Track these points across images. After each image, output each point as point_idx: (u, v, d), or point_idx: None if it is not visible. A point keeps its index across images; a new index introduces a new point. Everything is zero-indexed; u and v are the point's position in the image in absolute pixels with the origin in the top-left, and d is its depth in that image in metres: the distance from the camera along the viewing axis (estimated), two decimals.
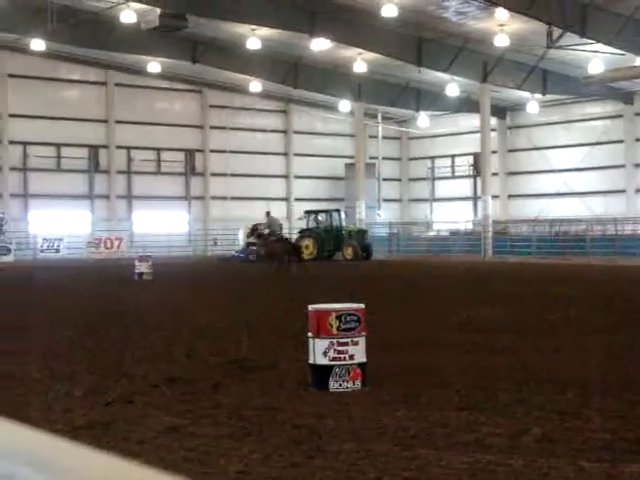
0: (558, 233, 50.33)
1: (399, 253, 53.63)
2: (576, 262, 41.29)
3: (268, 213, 45.71)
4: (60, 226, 54.36)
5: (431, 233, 60.02)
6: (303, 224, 51.74)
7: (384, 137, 64.36)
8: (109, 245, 54.54)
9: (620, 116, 54.47)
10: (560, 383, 9.83)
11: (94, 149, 56.38)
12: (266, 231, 43.63)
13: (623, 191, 54.03)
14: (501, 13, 40.80)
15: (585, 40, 41.84)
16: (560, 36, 41.53)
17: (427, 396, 9.12)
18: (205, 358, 11.94)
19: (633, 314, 17.75)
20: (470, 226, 58.03)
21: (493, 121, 56.96)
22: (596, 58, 45.18)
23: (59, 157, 55.49)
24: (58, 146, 55.26)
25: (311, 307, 9.79)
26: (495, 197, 55.43)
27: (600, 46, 42.76)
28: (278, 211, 60.71)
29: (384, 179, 63.95)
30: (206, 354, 12.31)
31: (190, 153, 59.56)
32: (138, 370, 10.92)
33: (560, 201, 56.44)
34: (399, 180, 67.55)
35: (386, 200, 64.19)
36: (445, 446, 7.13)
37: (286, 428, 7.79)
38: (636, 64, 44.42)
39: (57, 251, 52.76)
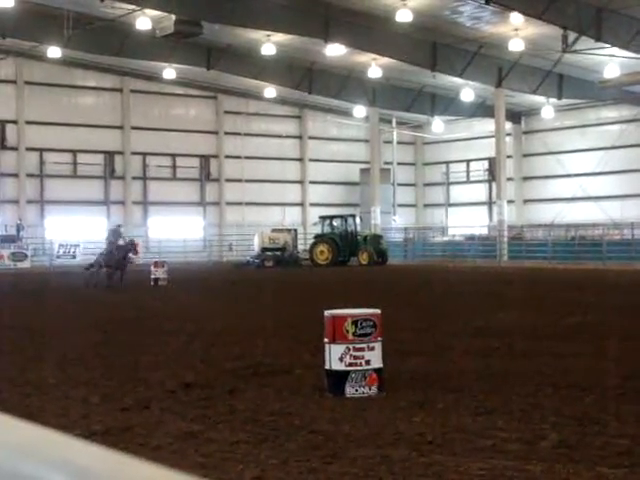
0: (574, 238, 50.17)
1: (414, 258, 53.56)
2: (592, 267, 41.13)
3: None
4: (76, 232, 54.48)
5: (446, 238, 59.91)
6: (318, 229, 51.75)
7: (399, 142, 64.32)
8: None
9: (636, 120, 54.26)
10: (577, 388, 9.79)
11: (110, 155, 56.55)
12: None
13: (639, 195, 53.82)
14: (516, 18, 40.71)
15: (600, 44, 41.70)
16: (575, 40, 41.40)
17: (444, 402, 9.09)
18: (221, 363, 11.94)
19: None
20: (485, 231, 57.90)
21: (508, 126, 56.83)
22: (611, 62, 45.03)
23: (75, 163, 55.68)
24: (74, 152, 55.45)
25: (327, 312, 9.78)
26: (510, 202, 55.26)
27: (615, 50, 42.60)
28: (293, 216, 60.79)
29: (399, 184, 63.89)
30: (222, 359, 12.31)
31: (205, 159, 59.66)
32: (154, 376, 10.92)
33: (576, 206, 56.26)
34: (414, 185, 67.49)
35: (401, 205, 64.13)
36: (462, 452, 7.10)
37: (302, 433, 7.77)
38: None
39: (73, 257, 52.86)
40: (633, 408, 8.69)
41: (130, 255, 30.88)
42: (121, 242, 30.92)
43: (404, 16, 39.92)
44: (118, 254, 29.85)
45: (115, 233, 31.49)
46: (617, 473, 6.47)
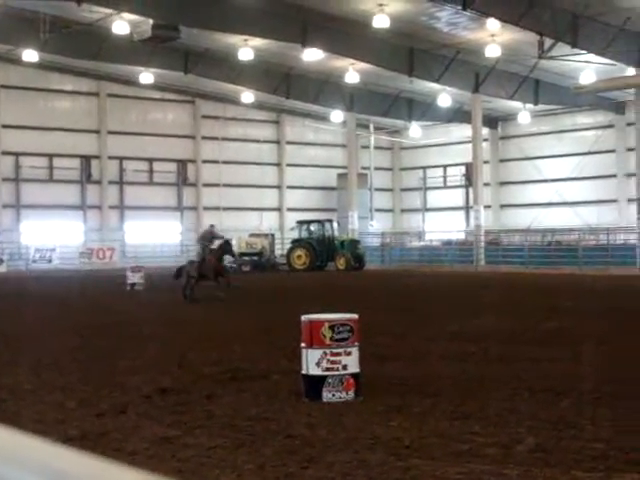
0: (550, 243, 50.40)
1: (392, 263, 53.63)
2: (569, 272, 41.33)
3: None
4: (52, 236, 54.26)
5: (423, 243, 60.06)
6: (295, 234, 51.75)
7: (376, 147, 64.42)
8: (101, 255, 54.43)
9: (611, 126, 54.60)
10: (553, 392, 9.83)
11: (86, 159, 56.31)
12: None
13: (615, 201, 54.13)
14: (492, 24, 40.89)
15: (576, 50, 41.96)
16: (551, 46, 41.62)
17: (421, 406, 9.11)
18: (198, 368, 11.91)
19: (626, 324, 17.77)
20: (462, 236, 58.08)
21: (485, 131, 57.05)
22: (587, 68, 45.31)
23: (51, 167, 55.42)
24: (50, 157, 55.21)
25: (304, 317, 9.78)
26: (487, 207, 55.47)
27: (591, 56, 42.87)
28: (270, 221, 60.76)
29: (376, 189, 63.99)
30: (199, 364, 12.28)
31: (182, 163, 59.54)
32: (131, 381, 10.89)
33: (552, 211, 56.52)
34: (391, 190, 67.60)
35: (378, 210, 64.23)
36: (439, 456, 7.11)
37: (279, 438, 7.77)
38: (627, 74, 44.54)
39: (49, 261, 52.65)
40: (609, 412, 8.74)
41: (226, 257, 27.06)
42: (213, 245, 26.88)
43: (381, 22, 40.02)
44: (212, 259, 25.64)
45: (208, 235, 27.33)
46: (592, 477, 6.50)
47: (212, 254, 25.93)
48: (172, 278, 26.84)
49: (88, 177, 56.44)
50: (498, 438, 7.64)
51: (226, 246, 26.69)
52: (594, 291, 29.16)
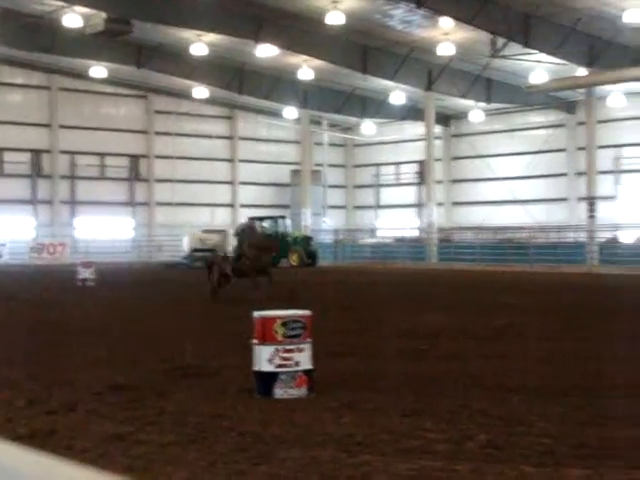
0: (502, 240, 50.78)
1: (344, 260, 53.71)
2: (520, 269, 41.67)
3: None
4: (2, 231, 53.65)
5: (375, 240, 60.22)
6: None
7: (330, 144, 64.49)
8: (52, 251, 53.95)
9: (562, 125, 55.14)
10: (504, 389, 9.91)
11: (37, 154, 55.78)
12: None
13: (565, 199, 54.66)
14: (446, 22, 41.11)
15: (528, 50, 42.34)
16: (504, 46, 41.96)
17: (373, 403, 9.13)
18: (149, 365, 11.85)
19: (575, 320, 17.97)
20: (415, 233, 58.32)
21: (438, 129, 57.36)
22: (539, 68, 45.71)
23: (2, 162, 54.83)
24: (1, 150, 54.58)
25: (256, 314, 9.76)
26: (440, 204, 55.76)
27: (543, 56, 43.26)
28: (223, 217, 60.59)
29: (329, 186, 64.07)
30: (150, 361, 12.22)
31: (135, 158, 59.17)
32: (81, 378, 10.80)
33: (504, 209, 56.95)
34: (344, 187, 67.70)
35: (331, 207, 64.31)
36: (391, 452, 7.14)
37: (231, 435, 7.75)
38: (578, 74, 45.01)
39: None
40: (558, 408, 8.83)
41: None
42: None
43: (335, 19, 40.05)
44: (256, 256, 23.10)
45: (248, 230, 25.14)
46: (541, 472, 6.57)
47: (252, 249, 23.36)
48: (207, 278, 23.28)
49: (39, 171, 55.90)
50: (449, 434, 7.68)
51: (275, 244, 24.52)
52: (544, 289, 29.44)
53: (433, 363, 12.08)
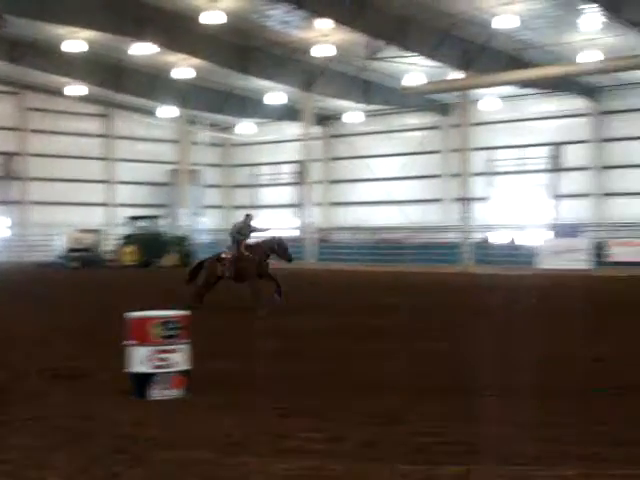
0: (379, 241, 51.35)
1: None
2: (396, 269, 42.19)
3: None
4: None
5: (251, 240, 60.08)
6: (125, 230, 51.00)
7: (209, 144, 64.14)
8: None
9: (437, 127, 56.08)
10: (382, 388, 10.02)
11: None
12: None
13: (440, 200, 55.55)
14: (324, 23, 41.31)
15: (405, 53, 42.95)
16: (381, 48, 42.46)
17: (250, 403, 9.12)
18: (20, 367, 11.57)
19: (450, 319, 18.29)
20: (293, 233, 58.49)
21: (317, 129, 57.63)
22: (415, 70, 46.36)
23: None
24: None
25: (132, 314, 9.63)
26: (319, 204, 55.96)
27: (419, 59, 43.93)
28: (100, 217, 59.66)
29: (208, 186, 63.73)
30: (22, 363, 11.93)
31: (8, 156, 57.70)
32: None
33: (381, 209, 57.59)
34: (223, 187, 67.42)
35: (210, 207, 63.99)
36: (268, 452, 7.14)
37: (106, 437, 7.63)
38: (452, 77, 45.84)
39: None
40: (435, 406, 8.98)
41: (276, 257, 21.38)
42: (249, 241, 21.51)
43: (214, 17, 39.77)
44: (257, 256, 20.72)
45: (246, 229, 21.69)
46: (415, 469, 6.65)
47: (252, 250, 20.98)
48: (185, 281, 21.66)
49: None
50: (326, 434, 7.72)
51: (279, 244, 21.28)
52: (421, 288, 29.86)
53: (311, 363, 12.13)
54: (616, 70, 42.33)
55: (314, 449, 7.24)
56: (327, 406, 8.97)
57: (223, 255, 21.22)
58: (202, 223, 61.28)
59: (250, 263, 20.61)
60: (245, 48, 46.72)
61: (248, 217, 21.86)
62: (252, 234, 21.80)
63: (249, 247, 21.17)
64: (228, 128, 64.80)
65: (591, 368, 11.70)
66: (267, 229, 22.18)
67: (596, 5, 36.62)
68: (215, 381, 10.40)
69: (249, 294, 20.60)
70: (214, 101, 57.41)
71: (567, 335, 15.33)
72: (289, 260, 21.52)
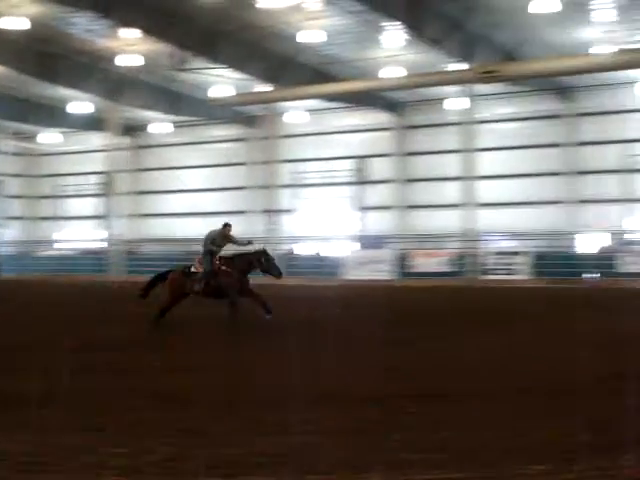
0: (189, 253, 50.99)
1: (24, 272, 51.96)
2: None
3: None
4: None
5: (56, 252, 58.82)
6: None
7: (11, 153, 62.24)
8: None
9: (244, 139, 56.31)
10: (187, 401, 9.98)
11: None
12: None
13: (244, 212, 55.45)
14: (131, 33, 40.82)
15: (213, 64, 42.97)
16: (188, 59, 42.33)
17: (49, 420, 8.90)
18: None
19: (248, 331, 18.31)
20: (99, 245, 57.44)
21: (124, 140, 56.80)
22: (223, 82, 46.43)
23: None
24: None
25: None
26: (127, 216, 55.23)
27: (227, 71, 44.03)
28: None
29: (11, 196, 61.89)
30: None
31: None
32: None
33: (189, 221, 57.27)
34: (26, 197, 65.48)
35: (14, 218, 62.16)
36: (69, 469, 6.99)
37: None
38: (261, 90, 46.17)
39: None
40: (242, 420, 9.00)
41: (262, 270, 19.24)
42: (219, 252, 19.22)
43: (15, 23, 38.53)
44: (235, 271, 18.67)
45: (220, 239, 19.33)
46: None
47: (230, 264, 18.94)
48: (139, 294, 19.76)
49: None
50: (128, 449, 7.62)
51: (265, 257, 19.06)
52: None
53: (114, 377, 11.94)
54: (418, 86, 43.74)
55: (116, 464, 7.12)
56: (129, 420, 8.86)
57: (193, 269, 19.15)
58: (6, 234, 59.46)
59: (228, 278, 18.61)
60: (49, 55, 45.53)
61: (226, 227, 19.40)
62: (228, 246, 19.51)
63: (227, 260, 19.03)
64: (32, 137, 63.02)
65: (390, 376, 11.97)
66: (248, 242, 19.43)
67: (399, 23, 37.76)
68: (15, 398, 10.08)
69: (225, 311, 18.70)
70: (17, 109, 55.64)
71: (362, 345, 15.61)
72: (278, 276, 19.19)
